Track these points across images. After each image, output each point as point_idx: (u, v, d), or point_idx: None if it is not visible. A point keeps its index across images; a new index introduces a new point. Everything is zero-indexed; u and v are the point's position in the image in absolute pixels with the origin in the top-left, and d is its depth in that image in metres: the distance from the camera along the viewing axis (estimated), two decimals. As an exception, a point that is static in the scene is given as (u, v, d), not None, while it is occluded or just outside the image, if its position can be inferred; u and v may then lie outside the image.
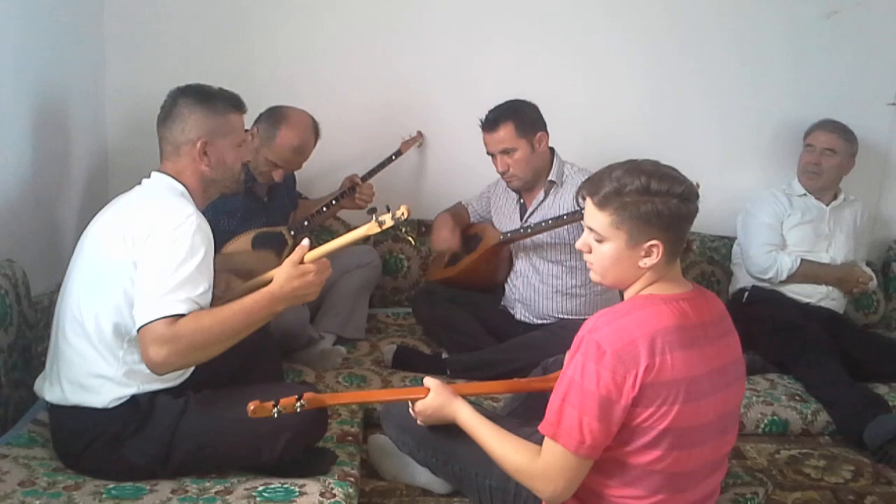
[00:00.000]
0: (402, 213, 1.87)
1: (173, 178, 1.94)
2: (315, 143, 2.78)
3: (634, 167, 1.61)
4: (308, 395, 1.75)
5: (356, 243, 1.99)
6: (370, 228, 1.91)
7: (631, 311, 1.59)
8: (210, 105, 1.95)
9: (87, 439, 1.84)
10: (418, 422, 1.88)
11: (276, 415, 1.69)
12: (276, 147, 2.68)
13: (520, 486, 1.71)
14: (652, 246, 1.59)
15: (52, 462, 1.92)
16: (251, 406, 1.69)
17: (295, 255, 1.85)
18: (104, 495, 1.79)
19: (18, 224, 2.41)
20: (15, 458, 1.91)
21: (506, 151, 2.73)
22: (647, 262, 1.60)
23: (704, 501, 1.73)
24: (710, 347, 1.62)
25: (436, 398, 1.82)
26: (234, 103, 2.01)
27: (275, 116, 2.70)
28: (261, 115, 2.71)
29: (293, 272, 1.84)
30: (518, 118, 2.73)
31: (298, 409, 1.73)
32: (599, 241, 1.65)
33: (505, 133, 2.71)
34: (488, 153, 2.79)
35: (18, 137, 2.42)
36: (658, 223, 1.57)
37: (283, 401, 1.71)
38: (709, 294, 1.72)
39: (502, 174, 2.79)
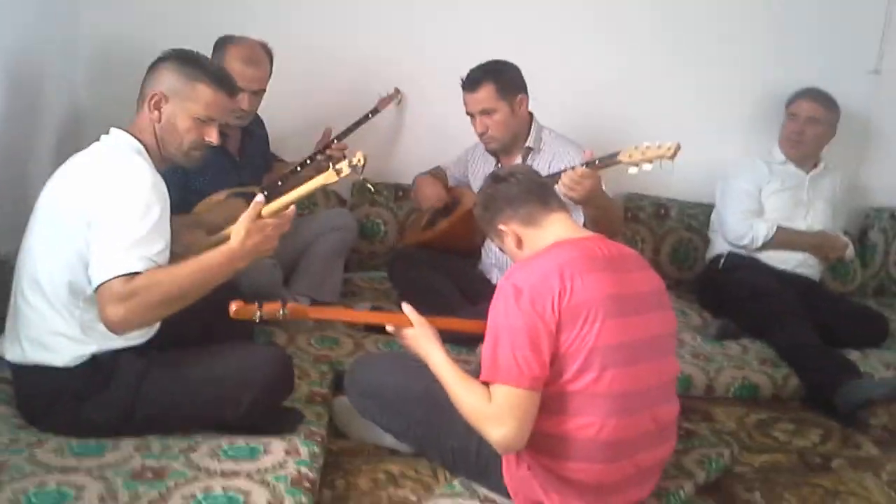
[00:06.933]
0: (359, 160, 1.91)
1: (132, 135, 1.90)
2: (269, 61, 2.66)
3: None
4: (291, 305, 1.78)
5: (314, 193, 1.99)
6: (328, 177, 1.93)
7: (540, 255, 1.76)
8: (186, 68, 1.91)
9: (50, 398, 1.83)
10: (400, 342, 1.91)
11: (257, 318, 1.72)
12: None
13: (481, 445, 1.72)
14: None
15: (15, 419, 1.90)
16: (234, 306, 1.72)
17: (251, 211, 1.83)
18: (67, 452, 1.79)
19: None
20: (-23, 415, 1.89)
21: (485, 112, 2.69)
22: None
23: (667, 427, 1.80)
24: (624, 275, 1.73)
25: (418, 336, 1.85)
26: (214, 78, 1.93)
27: (217, 46, 2.60)
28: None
29: (252, 227, 1.81)
30: (499, 79, 2.68)
31: (280, 317, 1.76)
32: None
33: (485, 93, 2.67)
34: (468, 113, 2.74)
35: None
36: None
37: (266, 305, 1.74)
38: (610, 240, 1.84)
39: (480, 135, 2.76)
